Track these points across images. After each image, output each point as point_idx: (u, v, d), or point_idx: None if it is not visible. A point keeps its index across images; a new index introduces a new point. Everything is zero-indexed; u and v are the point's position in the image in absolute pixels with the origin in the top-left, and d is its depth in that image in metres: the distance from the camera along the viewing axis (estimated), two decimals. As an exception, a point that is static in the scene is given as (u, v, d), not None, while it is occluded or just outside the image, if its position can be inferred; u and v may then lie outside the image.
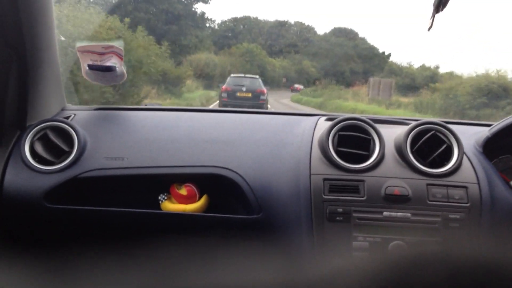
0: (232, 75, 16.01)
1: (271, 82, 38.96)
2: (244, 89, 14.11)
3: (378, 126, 1.33)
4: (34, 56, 1.40)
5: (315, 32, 68.75)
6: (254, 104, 13.74)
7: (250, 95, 14.01)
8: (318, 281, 0.47)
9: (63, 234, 1.45)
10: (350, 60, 54.83)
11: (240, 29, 61.48)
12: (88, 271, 1.49)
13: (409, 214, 1.20)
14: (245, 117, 1.61)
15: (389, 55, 63.36)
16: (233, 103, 13.63)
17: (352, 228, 1.20)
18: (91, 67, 1.49)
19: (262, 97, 14.09)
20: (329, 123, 1.34)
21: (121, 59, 1.50)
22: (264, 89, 14.37)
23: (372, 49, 60.58)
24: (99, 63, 1.48)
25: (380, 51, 61.62)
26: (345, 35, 62.98)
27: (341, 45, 58.01)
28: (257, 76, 15.75)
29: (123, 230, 1.42)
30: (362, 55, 57.33)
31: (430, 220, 1.20)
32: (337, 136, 1.30)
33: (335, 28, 65.56)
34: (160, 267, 1.46)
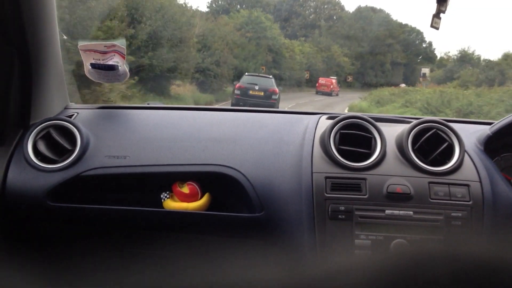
0: (246, 73, 16.88)
1: (289, 78, 28.93)
2: (256, 87, 14.67)
3: (379, 124, 1.34)
4: (36, 54, 1.40)
5: (342, 8, 51.28)
6: (266, 102, 14.28)
7: (262, 93, 14.59)
8: (320, 279, 0.48)
9: (66, 232, 1.46)
10: (391, 47, 42.75)
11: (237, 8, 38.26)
12: (91, 269, 1.49)
13: (411, 212, 1.20)
14: (247, 116, 1.61)
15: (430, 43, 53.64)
16: (245, 100, 14.26)
17: (354, 226, 1.20)
18: (93, 65, 1.50)
19: (273, 96, 14.63)
20: (331, 121, 1.34)
21: (124, 57, 1.51)
22: (276, 89, 14.97)
23: (416, 33, 48.26)
24: (101, 62, 1.49)
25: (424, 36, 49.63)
26: (376, 13, 47.61)
27: (379, 24, 43.74)
28: (271, 76, 16.54)
29: (125, 228, 1.42)
30: (402, 41, 45.03)
31: (432, 218, 1.20)
32: (338, 134, 1.31)
33: (364, 6, 48.45)
34: (162, 265, 1.47)
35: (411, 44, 47.43)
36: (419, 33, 49.46)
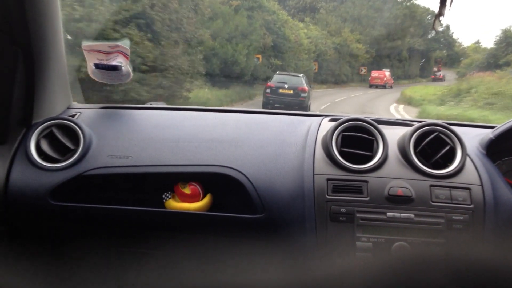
0: (277, 72, 17.57)
1: (294, 71, 20.07)
2: (286, 86, 15.07)
3: (381, 127, 1.34)
4: (40, 54, 1.41)
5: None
6: (295, 100, 14.79)
7: (291, 92, 14.98)
8: (322, 281, 0.48)
9: (68, 231, 1.46)
10: (407, 31, 37.27)
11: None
12: (93, 268, 1.50)
13: (412, 215, 1.20)
14: (249, 117, 1.61)
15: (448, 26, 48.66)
16: (275, 99, 14.92)
17: (356, 229, 1.20)
18: (97, 66, 1.50)
19: (302, 94, 14.99)
20: (333, 123, 1.35)
21: (127, 58, 1.51)
22: (306, 87, 15.35)
23: (431, 14, 41.08)
24: (105, 62, 1.49)
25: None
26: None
27: (395, 1, 36.92)
28: (301, 75, 16.83)
29: (127, 228, 1.42)
30: (419, 23, 39.46)
31: (433, 221, 1.20)
32: (340, 136, 1.31)
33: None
34: (164, 265, 1.47)
35: (428, 26, 42.04)
36: (434, 15, 46.34)
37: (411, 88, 26.91)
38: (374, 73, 31.59)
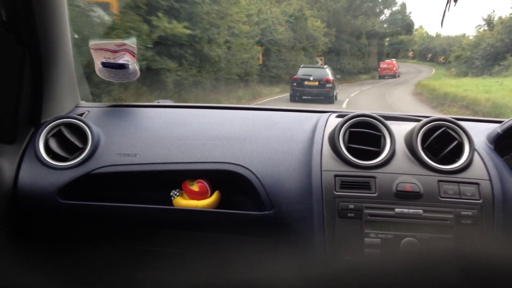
0: (302, 65, 18.07)
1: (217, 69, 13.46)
2: (311, 78, 15.73)
3: (388, 122, 1.33)
4: (48, 53, 1.41)
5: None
6: (321, 91, 15.51)
7: (317, 83, 15.63)
8: (330, 277, 0.48)
9: (77, 229, 1.47)
10: (370, 15, 33.10)
11: None
12: (101, 266, 1.51)
13: (421, 211, 1.20)
14: (256, 114, 1.61)
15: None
16: (302, 91, 15.71)
17: (364, 225, 1.20)
18: (104, 64, 1.51)
19: (328, 85, 15.64)
20: (340, 119, 1.34)
21: (134, 56, 1.52)
22: (331, 78, 15.96)
23: None
24: (112, 61, 1.50)
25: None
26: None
27: None
28: (325, 66, 17.64)
29: (135, 225, 1.43)
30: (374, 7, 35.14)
31: (442, 217, 1.19)
32: (348, 132, 1.31)
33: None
34: (172, 263, 1.48)
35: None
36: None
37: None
38: (383, 64, 31.19)
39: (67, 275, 1.51)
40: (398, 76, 30.17)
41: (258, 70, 18.01)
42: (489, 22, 30.04)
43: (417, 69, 37.77)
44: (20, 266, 1.42)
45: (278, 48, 19.84)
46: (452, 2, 1.04)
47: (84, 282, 1.52)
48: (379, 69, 31.18)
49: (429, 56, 49.36)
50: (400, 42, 45.69)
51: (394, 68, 31.03)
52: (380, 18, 39.46)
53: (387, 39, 41.15)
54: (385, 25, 39.75)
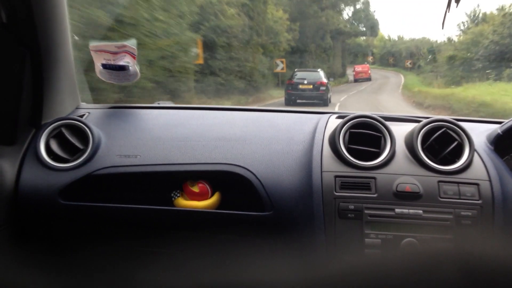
0: (296, 69, 18.14)
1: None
2: (305, 81, 15.82)
3: (388, 123, 1.34)
4: (48, 55, 1.42)
5: None
6: (315, 94, 15.54)
7: (311, 86, 15.71)
8: (331, 278, 0.48)
9: (78, 230, 1.47)
10: (335, 9, 30.01)
11: None
12: (101, 267, 1.51)
13: (420, 211, 1.20)
14: (256, 115, 1.62)
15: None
16: (296, 94, 15.68)
17: (364, 225, 1.20)
18: (104, 66, 1.51)
19: (322, 88, 15.71)
20: (340, 120, 1.35)
21: (134, 58, 1.52)
22: (324, 81, 16.04)
23: None
24: (112, 62, 1.50)
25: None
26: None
27: None
28: (318, 70, 17.54)
29: (136, 226, 1.44)
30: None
31: (442, 217, 1.20)
32: (348, 133, 1.31)
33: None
34: (173, 263, 1.48)
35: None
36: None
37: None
38: (358, 67, 30.66)
39: (68, 276, 1.51)
40: (370, 79, 29.82)
41: (196, 73, 11.45)
42: (473, 19, 27.90)
43: (382, 75, 35.77)
44: (21, 266, 1.42)
45: (227, 41, 13.17)
46: (454, 3, 1.04)
47: (85, 283, 1.52)
48: (354, 73, 30.87)
49: (391, 60, 45.86)
50: (358, 45, 42.73)
51: (369, 72, 31.06)
52: (344, 16, 36.72)
53: (350, 40, 38.29)
54: (348, 26, 36.55)
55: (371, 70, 33.41)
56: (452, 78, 22.19)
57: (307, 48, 25.42)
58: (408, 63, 38.45)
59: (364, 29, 41.58)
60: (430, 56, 32.55)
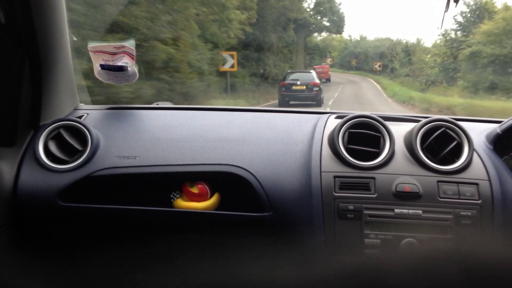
0: (288, 71, 18.14)
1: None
2: (298, 82, 15.96)
3: (387, 123, 1.34)
4: (46, 56, 1.41)
5: None
6: (308, 95, 15.65)
7: (304, 87, 15.83)
8: (330, 278, 0.48)
9: (77, 232, 1.47)
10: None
11: None
12: (101, 269, 1.50)
13: (420, 211, 1.20)
14: (255, 116, 1.62)
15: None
16: (290, 96, 15.78)
17: (363, 226, 1.20)
18: (103, 67, 1.51)
19: (315, 88, 15.88)
20: (339, 120, 1.35)
21: (133, 58, 1.52)
22: (317, 81, 16.32)
23: None
24: (111, 63, 1.50)
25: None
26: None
27: None
28: (311, 71, 17.80)
29: (135, 227, 1.43)
30: None
31: (441, 217, 1.20)
32: (347, 133, 1.31)
33: None
34: (172, 265, 1.48)
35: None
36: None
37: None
38: (318, 68, 28.21)
39: (67, 277, 1.51)
40: (329, 81, 28.60)
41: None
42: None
43: (347, 79, 32.76)
44: (20, 268, 1.42)
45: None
46: (452, 3, 1.04)
47: (84, 284, 1.51)
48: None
49: (354, 63, 41.23)
50: (315, 46, 38.63)
51: (329, 72, 30.09)
52: (305, 4, 31.82)
53: (309, 39, 34.37)
54: (312, 15, 32.97)
55: (331, 73, 31.71)
56: (474, 83, 16.04)
57: (266, 38, 19.34)
58: (376, 66, 33.99)
59: (329, 24, 37.96)
60: (405, 58, 30.94)
